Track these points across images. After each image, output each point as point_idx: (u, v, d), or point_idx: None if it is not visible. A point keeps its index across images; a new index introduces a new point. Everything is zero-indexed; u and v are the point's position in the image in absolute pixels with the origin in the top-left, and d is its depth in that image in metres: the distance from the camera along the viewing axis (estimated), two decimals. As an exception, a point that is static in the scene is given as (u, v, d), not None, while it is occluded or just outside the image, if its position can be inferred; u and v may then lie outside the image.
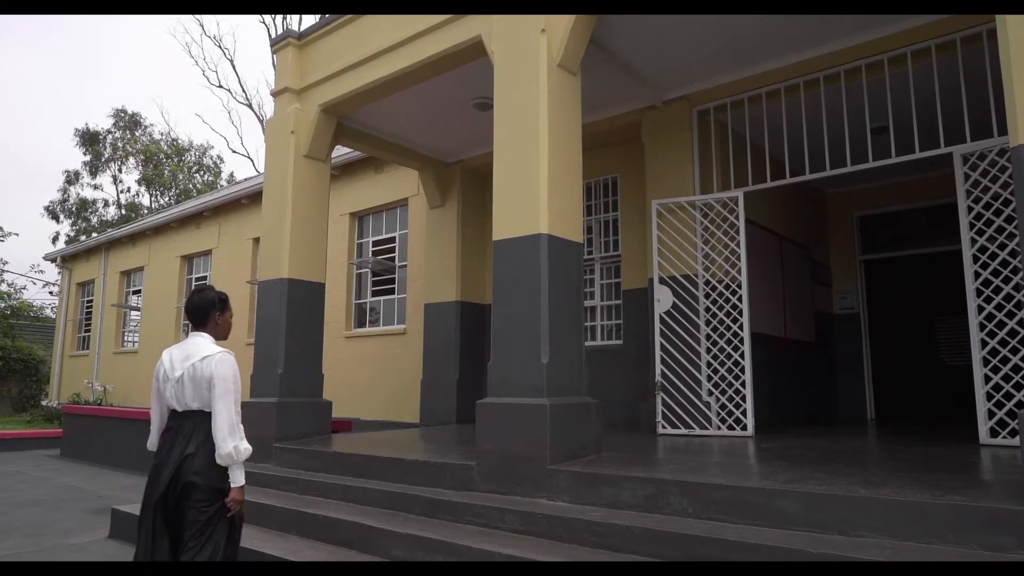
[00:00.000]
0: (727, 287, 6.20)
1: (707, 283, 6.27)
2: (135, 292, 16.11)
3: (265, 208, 6.93)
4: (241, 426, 3.04)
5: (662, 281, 6.35)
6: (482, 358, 8.32)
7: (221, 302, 3.28)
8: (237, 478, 3.01)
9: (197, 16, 28.50)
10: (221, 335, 3.28)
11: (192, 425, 3.03)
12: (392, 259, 10.03)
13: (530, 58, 4.80)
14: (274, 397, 6.36)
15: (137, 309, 15.69)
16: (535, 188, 4.60)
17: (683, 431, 6.09)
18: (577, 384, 4.69)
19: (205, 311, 3.23)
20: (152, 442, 3.20)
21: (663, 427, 6.17)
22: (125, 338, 16.22)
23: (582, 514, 3.81)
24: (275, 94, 7.04)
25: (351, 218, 10.57)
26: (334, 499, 4.99)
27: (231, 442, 2.95)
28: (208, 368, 3.02)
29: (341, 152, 10.45)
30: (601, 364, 7.28)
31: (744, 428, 5.95)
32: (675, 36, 5.58)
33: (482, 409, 4.60)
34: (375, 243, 10.38)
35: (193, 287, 14.14)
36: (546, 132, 4.64)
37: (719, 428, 6.05)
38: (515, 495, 4.31)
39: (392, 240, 10.12)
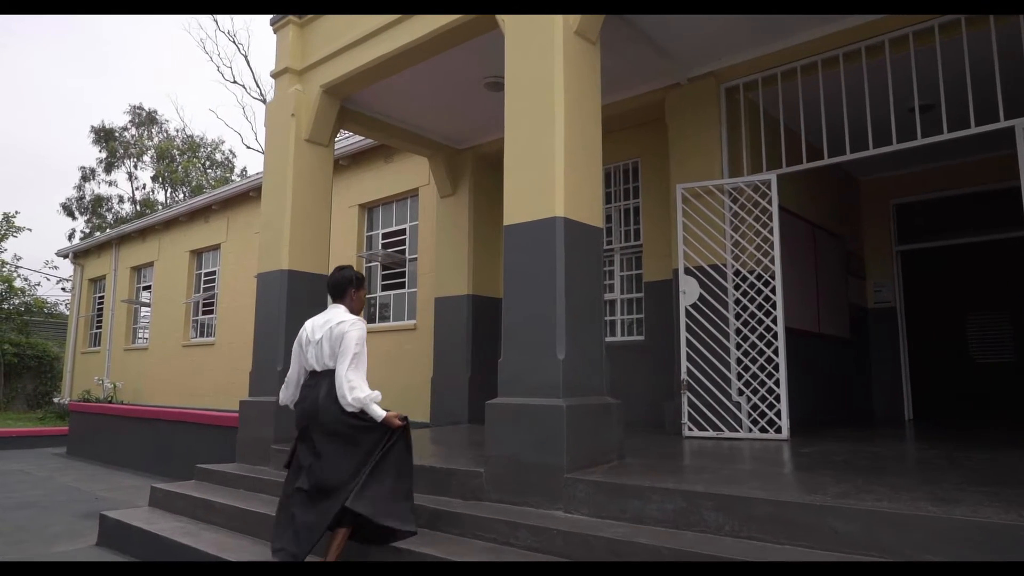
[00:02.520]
0: (759, 277, 5.73)
1: (737, 273, 5.79)
2: (145, 288, 15.88)
3: (264, 195, 6.55)
4: (361, 378, 3.49)
5: (688, 271, 5.89)
6: (495, 355, 7.85)
7: (358, 280, 3.83)
8: (376, 415, 3.47)
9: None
10: (355, 309, 3.77)
11: (329, 382, 3.50)
12: (402, 252, 9.63)
13: (544, 25, 4.36)
14: (273, 396, 5.95)
15: (147, 305, 15.47)
16: (550, 167, 4.17)
17: (711, 433, 5.62)
18: (597, 383, 4.26)
19: (343, 286, 3.79)
20: (283, 397, 3.83)
21: (689, 429, 5.71)
22: (137, 335, 16.00)
23: (603, 530, 3.38)
24: (275, 75, 6.66)
25: (360, 210, 10.18)
26: (332, 507, 4.59)
27: (348, 394, 3.41)
28: (342, 330, 3.53)
29: (350, 142, 10.10)
30: (621, 361, 6.84)
31: (778, 431, 5.48)
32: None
33: (492, 410, 4.19)
34: (385, 235, 9.99)
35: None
36: (562, 105, 4.20)
37: (750, 430, 5.59)
38: (528, 506, 3.88)
39: (402, 232, 9.73)
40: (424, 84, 6.55)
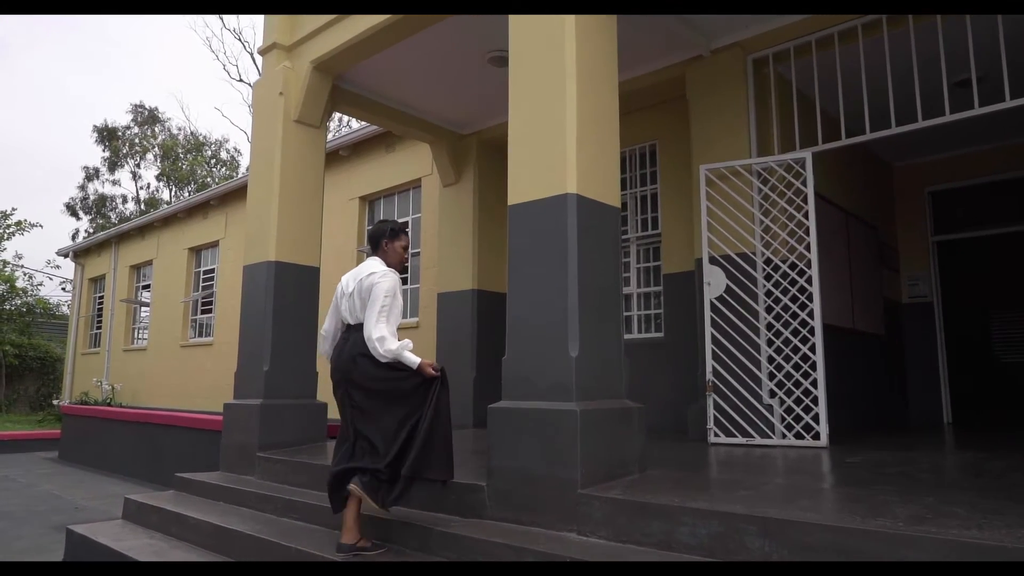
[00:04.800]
0: (792, 267, 5.17)
1: (768, 262, 5.24)
2: (145, 287, 15.46)
3: (251, 181, 6.07)
4: (391, 330, 3.39)
5: (713, 261, 5.34)
6: (502, 354, 7.34)
7: (392, 232, 3.75)
8: (411, 362, 3.38)
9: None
10: (391, 261, 3.68)
11: (361, 336, 3.41)
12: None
13: (553, -22, 3.83)
14: (258, 399, 5.49)
15: (145, 304, 15.05)
16: (561, 137, 3.65)
17: (740, 440, 5.08)
18: (615, 384, 3.72)
19: (377, 239, 3.72)
20: (322, 350, 3.77)
21: (715, 435, 5.16)
22: (136, 335, 15.58)
23: (624, 558, 2.85)
24: (263, 52, 6.17)
25: (361, 202, 9.69)
26: (316, 524, 4.08)
27: (380, 346, 3.33)
28: (371, 282, 3.45)
29: (350, 132, 9.61)
30: (638, 361, 6.26)
31: (815, 437, 4.92)
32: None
33: (495, 415, 3.66)
34: (386, 229, 9.49)
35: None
36: (574, 68, 3.67)
37: (784, 436, 5.03)
38: (537, 526, 3.36)
39: (405, 225, 9.21)
40: (423, 61, 6.04)
